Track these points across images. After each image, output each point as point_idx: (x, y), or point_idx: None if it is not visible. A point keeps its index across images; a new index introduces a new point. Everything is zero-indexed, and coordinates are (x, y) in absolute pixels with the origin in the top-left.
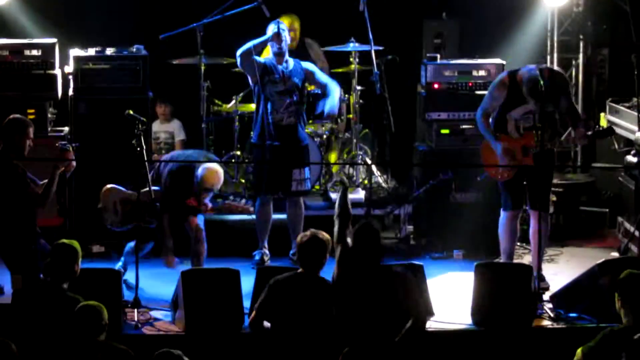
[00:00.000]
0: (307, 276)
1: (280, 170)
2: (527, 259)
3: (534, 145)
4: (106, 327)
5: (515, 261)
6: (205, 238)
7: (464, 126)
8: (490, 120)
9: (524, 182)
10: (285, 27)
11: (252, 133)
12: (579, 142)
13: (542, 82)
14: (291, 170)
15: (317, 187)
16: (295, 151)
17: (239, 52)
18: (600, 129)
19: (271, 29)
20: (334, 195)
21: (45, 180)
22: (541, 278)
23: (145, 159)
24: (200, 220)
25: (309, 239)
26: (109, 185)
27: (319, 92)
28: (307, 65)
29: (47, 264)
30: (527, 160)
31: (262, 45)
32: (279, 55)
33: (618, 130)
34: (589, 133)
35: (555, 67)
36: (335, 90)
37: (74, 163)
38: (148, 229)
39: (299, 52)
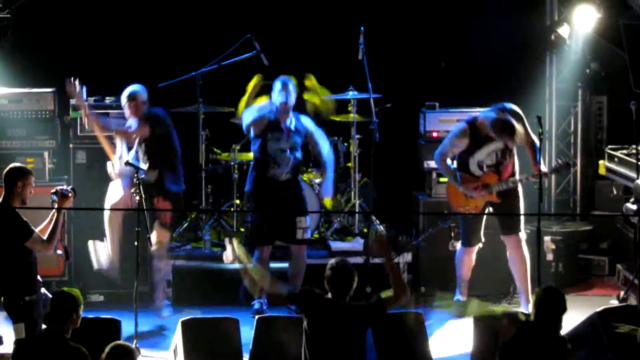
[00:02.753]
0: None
1: (282, 219)
2: (522, 307)
3: (496, 182)
4: None
5: (514, 309)
6: (168, 254)
7: None
8: (452, 160)
9: (482, 220)
10: (293, 83)
11: (247, 182)
12: (537, 178)
13: (536, 118)
14: (294, 219)
15: (315, 235)
16: (294, 200)
17: (246, 122)
18: (559, 163)
19: (277, 89)
20: (333, 244)
21: (43, 225)
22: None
23: (145, 207)
24: (164, 234)
25: (339, 266)
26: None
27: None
28: (307, 123)
29: (48, 312)
30: (491, 198)
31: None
32: (284, 112)
33: (617, 179)
34: (544, 169)
35: (508, 105)
36: (330, 167)
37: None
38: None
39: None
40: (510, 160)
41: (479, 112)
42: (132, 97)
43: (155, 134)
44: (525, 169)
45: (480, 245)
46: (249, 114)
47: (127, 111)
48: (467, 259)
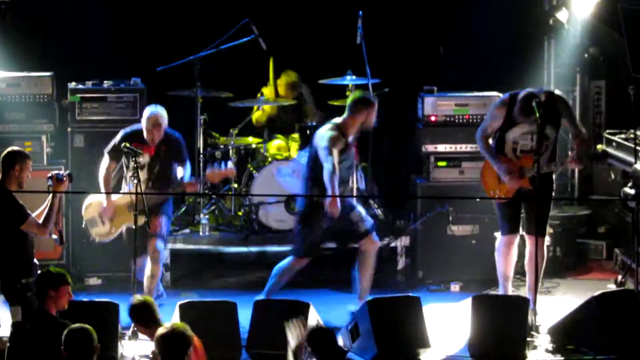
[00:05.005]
0: None
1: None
2: (524, 292)
3: (530, 168)
4: (98, 350)
5: (512, 293)
6: (161, 260)
7: (462, 160)
8: (491, 142)
9: (521, 206)
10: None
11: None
12: (575, 165)
13: (535, 102)
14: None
15: None
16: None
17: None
18: (596, 153)
19: (374, 110)
20: None
21: (40, 209)
22: (534, 313)
23: (142, 190)
24: (159, 243)
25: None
26: (87, 202)
27: None
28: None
29: (35, 293)
30: (524, 183)
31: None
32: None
33: (615, 163)
34: (579, 158)
35: (557, 92)
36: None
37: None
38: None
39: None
40: (548, 150)
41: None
42: (158, 126)
43: (168, 158)
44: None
45: (518, 235)
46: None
47: (148, 135)
48: (507, 251)
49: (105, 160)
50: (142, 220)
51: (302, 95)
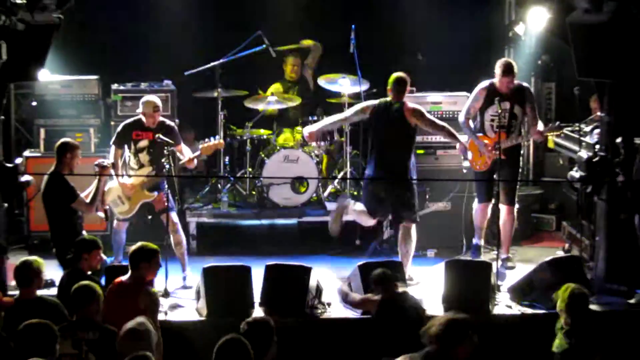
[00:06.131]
0: None
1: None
2: (489, 257)
3: (504, 140)
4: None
5: (479, 259)
6: (180, 229)
7: (437, 148)
8: (472, 123)
9: (493, 179)
10: None
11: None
12: (537, 136)
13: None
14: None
15: (314, 197)
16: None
17: None
18: (553, 126)
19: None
20: (328, 205)
21: (87, 191)
22: (509, 259)
23: (174, 174)
24: (174, 215)
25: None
26: (107, 187)
27: None
28: None
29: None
30: (497, 154)
31: None
32: None
33: (563, 151)
34: (541, 130)
35: (525, 84)
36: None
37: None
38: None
39: (301, 86)
40: (517, 127)
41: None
42: (157, 108)
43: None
44: None
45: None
46: None
47: (149, 118)
48: (482, 213)
49: (112, 150)
50: (153, 196)
51: (306, 81)
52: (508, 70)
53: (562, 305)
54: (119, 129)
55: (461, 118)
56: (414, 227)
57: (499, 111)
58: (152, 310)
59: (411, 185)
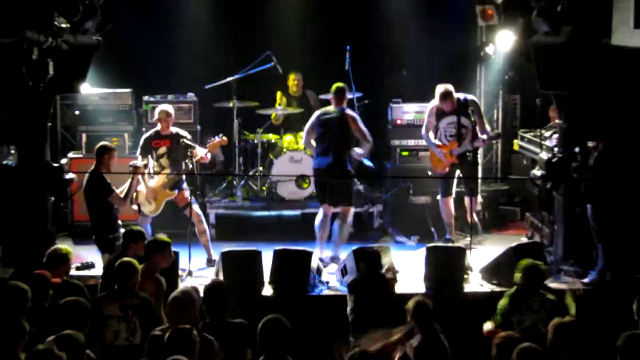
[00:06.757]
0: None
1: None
2: (463, 243)
3: (456, 147)
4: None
5: (455, 245)
6: (204, 220)
7: (419, 150)
8: (432, 135)
9: (453, 177)
10: None
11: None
12: (479, 144)
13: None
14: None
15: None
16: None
17: None
18: (492, 134)
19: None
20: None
21: (122, 187)
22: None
23: (196, 172)
24: (196, 207)
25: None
26: (138, 189)
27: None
28: None
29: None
30: (453, 159)
31: None
32: None
33: (526, 153)
34: (484, 137)
35: (470, 96)
36: None
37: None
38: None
39: (302, 99)
40: (468, 134)
41: None
42: (169, 115)
43: (180, 147)
44: None
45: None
46: None
47: (163, 123)
48: (445, 207)
49: (139, 159)
50: (174, 194)
51: (307, 97)
52: (443, 97)
53: (518, 273)
54: (140, 142)
55: (423, 131)
56: (351, 212)
57: (448, 124)
58: (157, 295)
59: (348, 177)
